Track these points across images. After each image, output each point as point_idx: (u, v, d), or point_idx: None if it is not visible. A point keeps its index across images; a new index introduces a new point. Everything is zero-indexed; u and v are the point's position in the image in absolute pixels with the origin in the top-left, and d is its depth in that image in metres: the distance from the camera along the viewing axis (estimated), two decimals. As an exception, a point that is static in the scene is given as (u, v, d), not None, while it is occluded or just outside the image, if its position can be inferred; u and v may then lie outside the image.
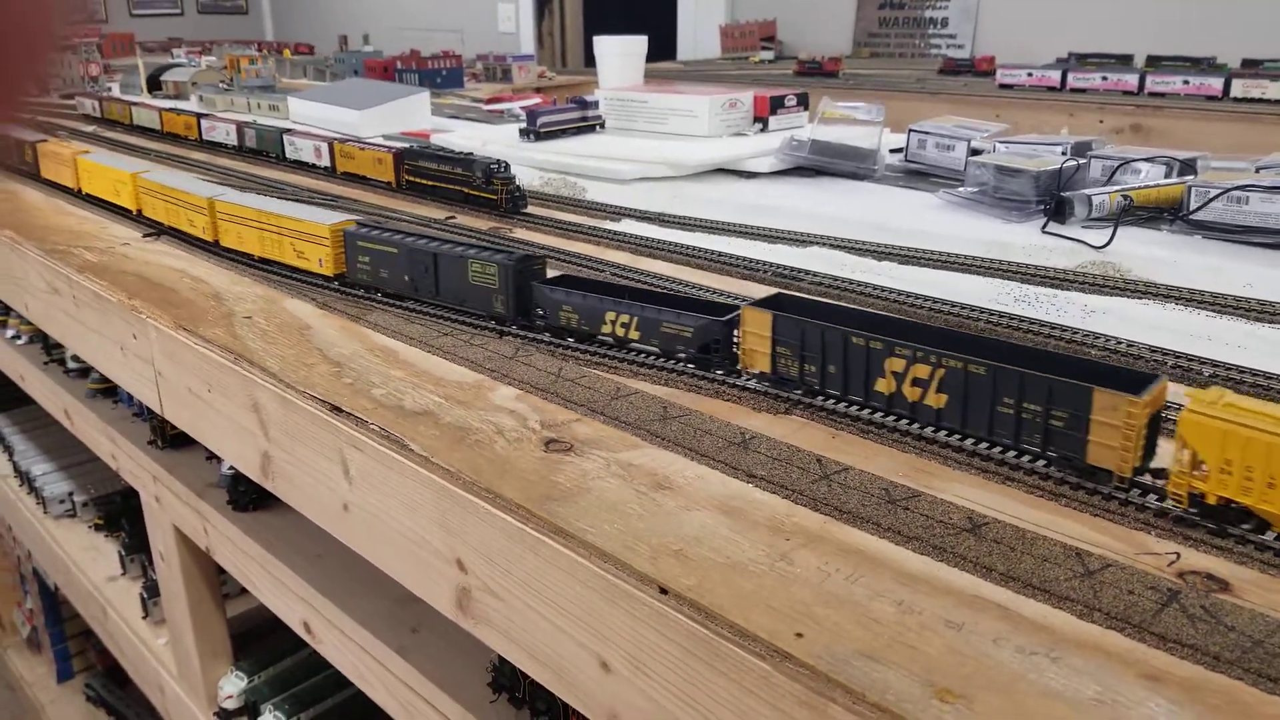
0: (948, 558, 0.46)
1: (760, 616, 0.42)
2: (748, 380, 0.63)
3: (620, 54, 1.84)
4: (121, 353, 0.89)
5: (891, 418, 0.57)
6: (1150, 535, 0.48)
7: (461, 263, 0.76)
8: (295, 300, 0.83)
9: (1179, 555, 0.46)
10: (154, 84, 2.30)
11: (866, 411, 0.58)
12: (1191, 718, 0.36)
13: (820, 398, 0.60)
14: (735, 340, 0.64)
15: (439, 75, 2.63)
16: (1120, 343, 0.71)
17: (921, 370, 0.55)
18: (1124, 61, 2.70)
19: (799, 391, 0.60)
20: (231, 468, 0.97)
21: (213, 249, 0.98)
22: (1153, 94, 2.31)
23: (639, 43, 1.86)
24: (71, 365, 1.31)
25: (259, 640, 1.17)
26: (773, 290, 0.71)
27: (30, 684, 2.13)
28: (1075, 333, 0.73)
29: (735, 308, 0.65)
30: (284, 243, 0.88)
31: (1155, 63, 2.65)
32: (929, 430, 0.56)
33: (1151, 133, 2.24)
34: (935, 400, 0.55)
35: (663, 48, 4.32)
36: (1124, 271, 0.88)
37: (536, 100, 1.91)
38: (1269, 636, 0.40)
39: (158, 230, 1.05)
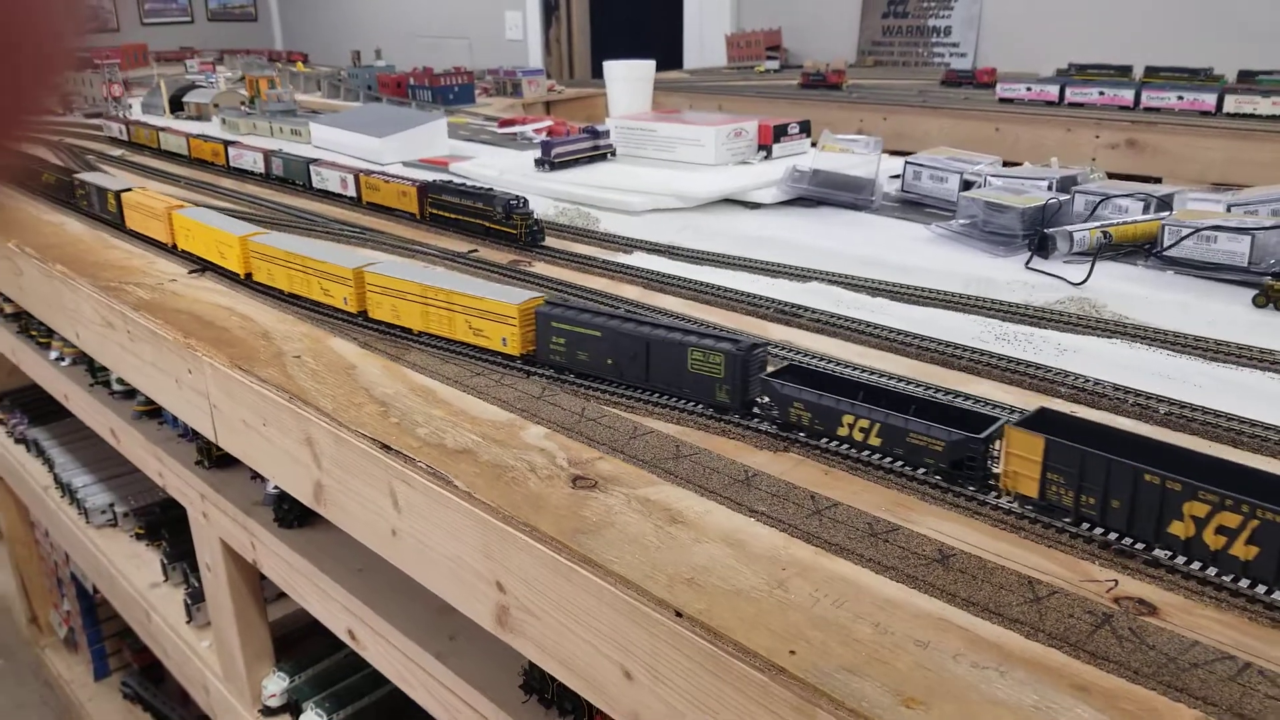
0: (919, 585, 0.54)
1: (760, 636, 0.50)
2: (1010, 503, 0.60)
3: (628, 78, 1.92)
4: (177, 385, 0.97)
5: (877, 456, 0.65)
6: (1094, 564, 0.56)
7: (679, 350, 0.73)
8: (338, 339, 0.92)
9: (1117, 582, 0.54)
10: (176, 105, 2.38)
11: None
12: (1111, 722, 0.44)
13: (1097, 529, 0.56)
14: (993, 457, 0.61)
15: (451, 91, 2.72)
16: (1088, 381, 0.79)
17: (1230, 519, 0.51)
18: (1123, 73, 2.77)
19: (1067, 519, 0.57)
20: (276, 488, 1.06)
21: (247, 282, 1.06)
22: (1148, 109, 2.38)
23: (647, 67, 1.94)
24: (116, 387, 1.40)
25: (298, 643, 1.25)
26: (1026, 406, 0.63)
27: (69, 682, 2.22)
28: (1048, 370, 0.81)
29: (993, 420, 0.62)
30: (456, 319, 0.86)
31: (1154, 73, 2.72)
32: (1247, 584, 0.52)
33: (1146, 149, 2.31)
34: (1243, 551, 0.51)
35: (669, 55, 4.40)
36: (1099, 308, 0.96)
37: (548, 122, 1.99)
38: (1182, 654, 0.48)
39: (202, 267, 1.14)
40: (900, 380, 0.78)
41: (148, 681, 2.12)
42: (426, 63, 4.98)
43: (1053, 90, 2.53)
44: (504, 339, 0.83)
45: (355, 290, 0.93)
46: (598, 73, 4.86)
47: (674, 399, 0.75)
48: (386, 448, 0.71)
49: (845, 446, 0.66)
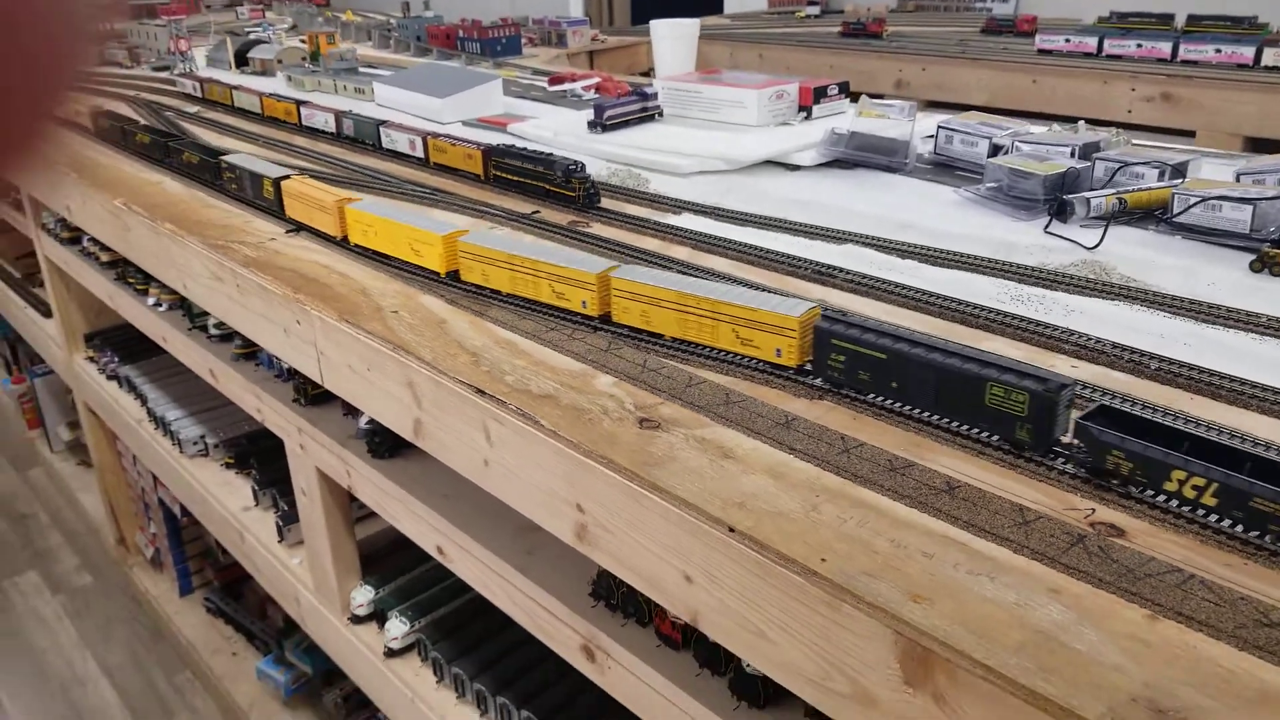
0: (929, 510, 0.66)
1: (797, 548, 0.62)
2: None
3: (673, 37, 2.01)
4: (285, 334, 1.11)
5: (1213, 518, 0.63)
6: (1077, 496, 0.68)
7: (976, 383, 0.70)
8: (428, 296, 1.04)
9: (1094, 510, 0.66)
10: (241, 59, 2.50)
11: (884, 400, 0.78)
12: (1074, 616, 0.56)
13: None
14: None
15: (499, 43, 2.80)
16: (1089, 339, 0.90)
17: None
18: (1164, 21, 2.79)
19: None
20: (369, 423, 1.20)
21: (343, 245, 1.19)
22: (1185, 62, 2.42)
23: (692, 25, 2.03)
24: (214, 331, 1.54)
25: (381, 559, 1.41)
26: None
27: (155, 597, 2.42)
28: (1055, 329, 0.92)
29: None
30: (720, 328, 0.85)
31: (1196, 22, 2.74)
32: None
33: (1181, 102, 2.36)
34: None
35: (714, 1, 4.44)
36: (1109, 271, 1.06)
37: (596, 79, 2.09)
38: (1139, 567, 0.60)
39: (298, 227, 1.27)
40: (1221, 431, 0.72)
41: (228, 597, 2.32)
42: (469, 7, 5.03)
43: (1091, 42, 2.57)
44: (777, 350, 0.82)
45: (598, 293, 0.92)
46: (637, 18, 4.89)
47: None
48: (481, 392, 0.84)
49: (1170, 501, 0.64)
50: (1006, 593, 0.58)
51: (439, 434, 0.91)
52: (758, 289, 1.01)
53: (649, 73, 3.29)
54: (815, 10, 3.64)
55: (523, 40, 2.88)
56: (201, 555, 2.38)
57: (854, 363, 0.77)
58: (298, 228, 1.27)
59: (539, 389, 0.84)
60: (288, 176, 1.30)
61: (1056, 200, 1.21)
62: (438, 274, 1.07)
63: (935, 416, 0.75)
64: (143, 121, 1.63)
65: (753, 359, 0.84)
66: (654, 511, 0.70)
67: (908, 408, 0.76)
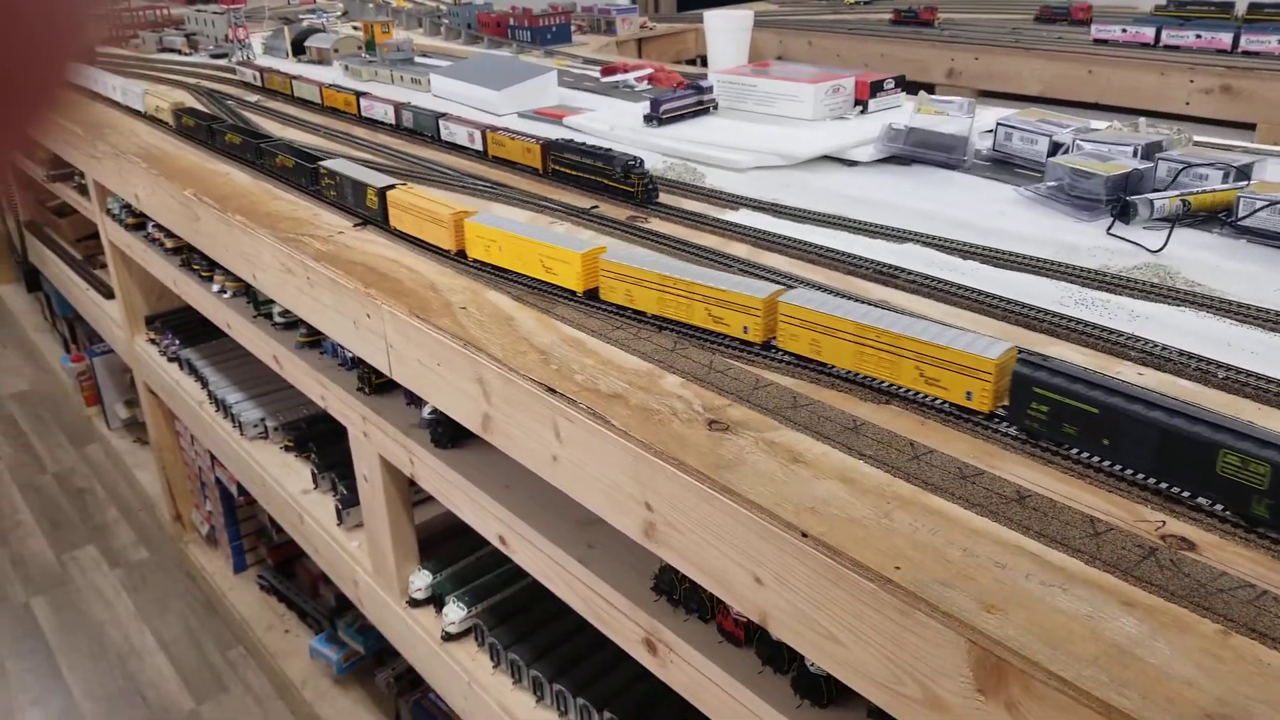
0: (1000, 519, 0.67)
1: (870, 555, 0.64)
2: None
3: (727, 29, 2.01)
4: (354, 326, 1.13)
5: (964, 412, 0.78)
6: (1147, 508, 0.68)
7: (1209, 449, 0.64)
8: (494, 293, 1.06)
9: (1164, 523, 0.67)
10: (297, 48, 2.53)
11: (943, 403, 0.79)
12: (1148, 629, 0.57)
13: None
14: None
15: (549, 32, 2.81)
16: (1155, 346, 0.90)
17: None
18: (1224, 10, 2.74)
19: None
20: (432, 413, 1.22)
21: (398, 235, 1.21)
22: (1246, 53, 2.38)
23: (745, 17, 2.03)
24: (278, 319, 1.58)
25: (438, 545, 1.44)
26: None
27: (210, 574, 2.48)
28: (1120, 335, 0.92)
29: None
30: (902, 364, 0.80)
31: (1258, 10, 2.69)
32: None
33: (1241, 94, 2.32)
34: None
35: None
36: (1173, 275, 1.05)
37: (648, 70, 2.09)
38: (1211, 581, 0.61)
39: (365, 220, 1.29)
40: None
41: (281, 575, 2.37)
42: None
43: (1148, 32, 2.53)
44: (968, 392, 0.77)
45: (762, 320, 0.88)
46: (682, 4, 4.86)
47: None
48: (552, 390, 0.86)
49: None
50: (1080, 605, 0.59)
51: (508, 429, 0.93)
52: (940, 324, 0.90)
53: (695, 60, 3.29)
54: (865, -3, 3.61)
55: (572, 28, 2.88)
56: (255, 534, 2.44)
57: (1058, 414, 0.71)
58: (365, 220, 1.29)
59: (608, 388, 0.86)
60: (393, 186, 1.26)
61: (1120, 201, 1.20)
62: (573, 292, 1.02)
63: (1151, 480, 0.69)
64: (229, 120, 1.64)
65: (937, 399, 0.79)
66: (725, 513, 0.72)
67: (1118, 467, 0.70)
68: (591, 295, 1.02)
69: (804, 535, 0.66)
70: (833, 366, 0.85)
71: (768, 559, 0.70)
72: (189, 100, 1.98)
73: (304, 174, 1.43)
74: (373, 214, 1.28)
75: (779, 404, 0.82)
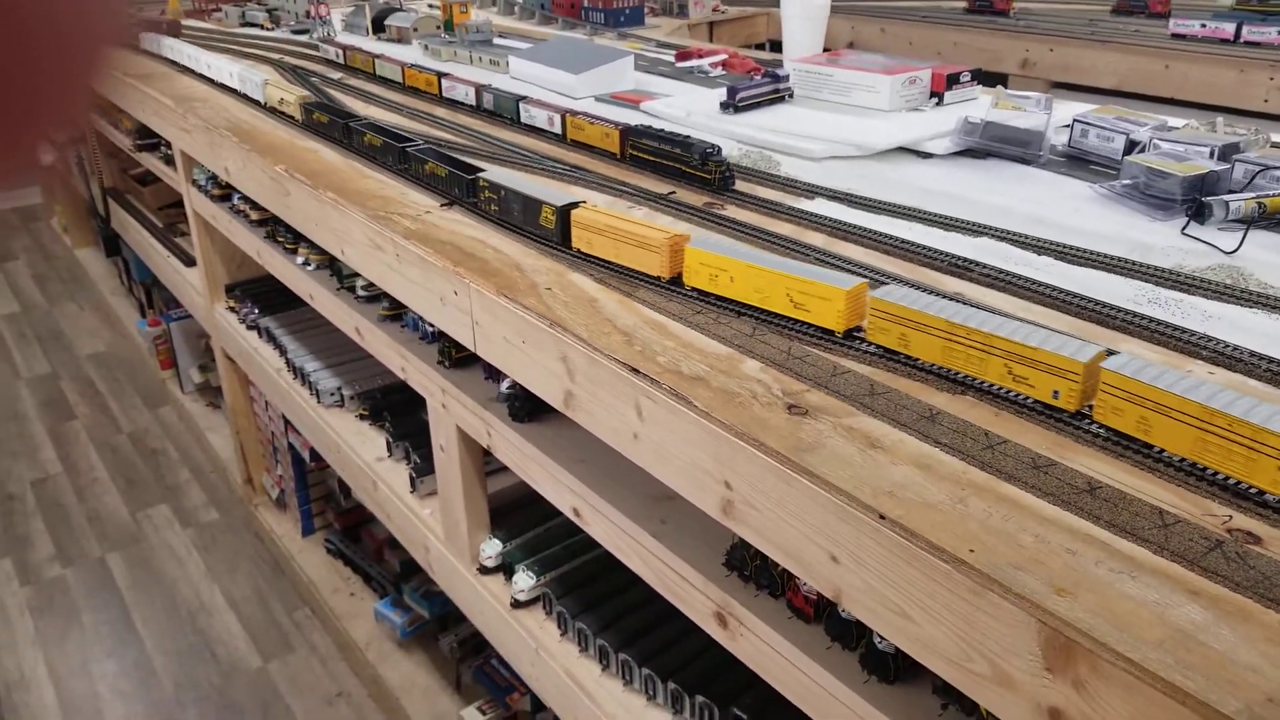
0: (1071, 508, 0.70)
1: (945, 537, 0.67)
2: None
3: (803, 16, 2.03)
4: (441, 303, 1.18)
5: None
6: (1215, 502, 0.71)
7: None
8: (577, 275, 1.11)
9: (1231, 517, 0.69)
10: (377, 26, 2.59)
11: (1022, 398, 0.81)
12: (1212, 617, 0.60)
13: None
14: None
15: (622, 14, 2.85)
16: (1227, 346, 0.91)
17: None
18: (1308, 5, 2.69)
19: None
20: (510, 388, 1.27)
21: (493, 219, 1.25)
22: (1329, 50, 2.34)
23: (822, 5, 2.04)
24: (361, 293, 1.64)
25: (508, 515, 1.49)
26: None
27: (279, 536, 2.57)
28: (1192, 335, 0.94)
29: None
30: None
31: (1343, 6, 2.64)
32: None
33: (1322, 93, 2.29)
34: None
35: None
36: (1247, 277, 1.06)
37: (722, 55, 2.12)
38: (1276, 574, 0.63)
39: (452, 200, 1.34)
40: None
41: (348, 539, 2.45)
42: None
43: (1228, 28, 2.50)
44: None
45: (1079, 387, 0.79)
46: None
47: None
48: (635, 370, 0.90)
49: None
50: (1147, 591, 0.62)
51: (590, 406, 0.98)
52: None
53: (765, 45, 3.30)
54: (938, -16, 3.58)
55: (645, 10, 2.91)
56: (324, 499, 2.52)
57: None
58: (451, 201, 1.34)
59: (689, 370, 0.89)
60: (575, 205, 1.15)
61: (1195, 202, 1.21)
62: (831, 331, 0.93)
63: (1221, 476, 0.71)
64: (368, 120, 1.68)
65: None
66: (804, 494, 0.75)
67: (1189, 462, 0.72)
68: (675, 281, 1.06)
69: (881, 517, 0.70)
70: (919, 360, 0.87)
71: (844, 539, 0.73)
72: (290, 89, 2.04)
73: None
74: (548, 233, 1.18)
75: (856, 391, 0.85)
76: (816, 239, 1.19)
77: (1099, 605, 0.61)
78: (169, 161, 2.49)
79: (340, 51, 2.23)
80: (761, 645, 0.94)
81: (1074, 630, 0.59)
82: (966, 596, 0.65)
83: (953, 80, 1.67)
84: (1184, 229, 1.19)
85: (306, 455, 2.29)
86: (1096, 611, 0.61)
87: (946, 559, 0.66)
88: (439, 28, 2.45)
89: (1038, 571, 0.64)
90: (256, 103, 1.93)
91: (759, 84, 1.69)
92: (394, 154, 1.48)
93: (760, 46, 3.23)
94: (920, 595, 0.69)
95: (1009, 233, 1.18)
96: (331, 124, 1.65)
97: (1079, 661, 0.60)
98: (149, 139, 2.73)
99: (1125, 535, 0.67)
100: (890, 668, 0.85)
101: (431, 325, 1.43)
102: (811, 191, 1.36)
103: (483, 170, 1.32)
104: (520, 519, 1.48)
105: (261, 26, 2.85)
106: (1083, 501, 0.70)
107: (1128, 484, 0.73)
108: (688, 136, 1.42)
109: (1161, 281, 1.06)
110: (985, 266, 1.09)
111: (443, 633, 2.05)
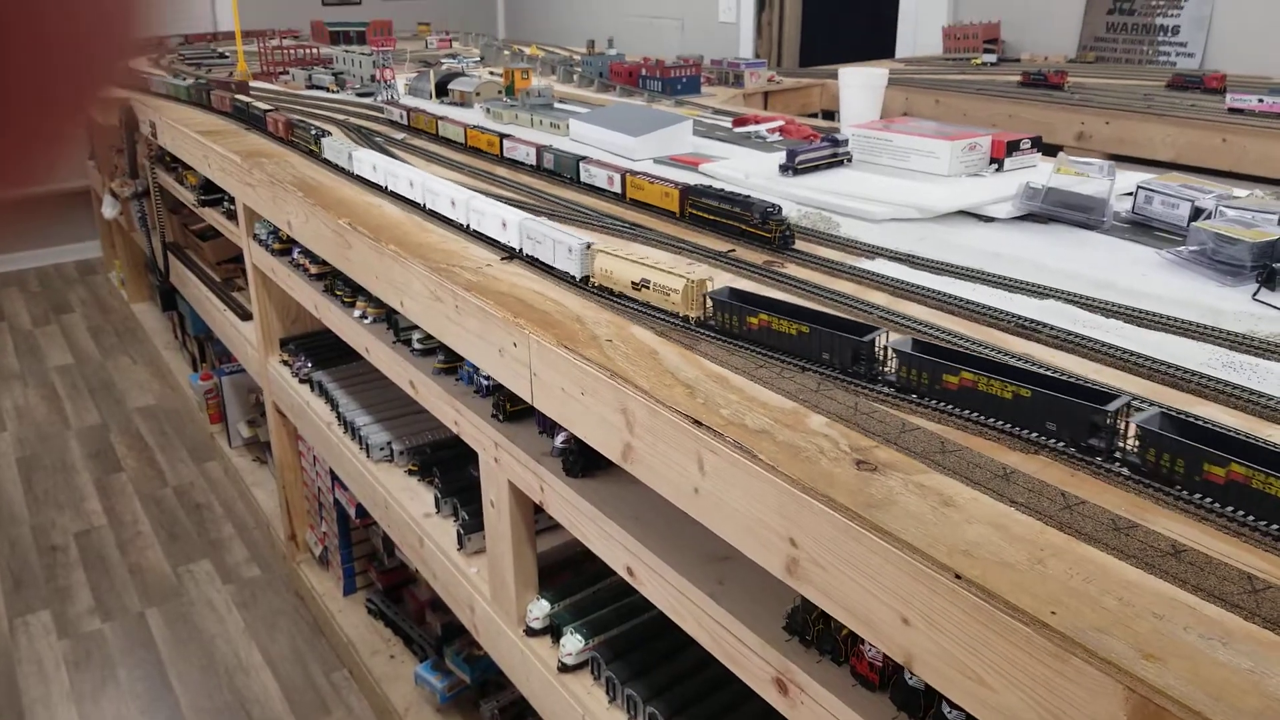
0: (1155, 572, 0.67)
1: (1024, 599, 0.64)
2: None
3: (862, 85, 2.04)
4: (499, 354, 1.18)
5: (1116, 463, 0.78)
6: (1309, 570, 0.68)
7: None
8: (638, 327, 1.10)
9: (1328, 587, 0.66)
10: (440, 90, 2.65)
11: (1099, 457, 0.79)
12: (1316, 690, 0.57)
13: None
14: None
15: (679, 83, 2.89)
16: (1310, 412, 0.88)
17: None
18: (1367, 82, 2.67)
19: None
20: (565, 442, 1.26)
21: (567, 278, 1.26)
22: (1391, 125, 2.31)
23: (880, 75, 2.06)
24: (417, 346, 1.65)
25: (555, 575, 1.47)
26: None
27: (320, 595, 2.56)
28: (1273, 399, 0.91)
29: None
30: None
31: (1401, 84, 2.61)
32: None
33: (1385, 168, 2.25)
34: None
35: (876, 42, 4.45)
36: (1324, 342, 1.03)
37: (779, 122, 2.13)
38: (1382, 647, 0.60)
39: (511, 254, 1.35)
40: None
41: (389, 600, 2.43)
42: (639, 41, 5.17)
43: (1288, 102, 2.48)
44: None
45: None
46: (805, 59, 4.94)
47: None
48: (698, 423, 0.89)
49: None
50: (1240, 659, 0.59)
51: (650, 459, 0.96)
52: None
53: (818, 114, 3.33)
54: (992, 58, 3.61)
55: (701, 80, 2.96)
56: (367, 557, 2.51)
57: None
58: (511, 255, 1.35)
59: (754, 424, 0.88)
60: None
61: (1266, 268, 1.19)
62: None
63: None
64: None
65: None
66: (874, 552, 0.73)
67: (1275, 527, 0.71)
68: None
69: (957, 577, 0.67)
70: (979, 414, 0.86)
71: (917, 600, 0.71)
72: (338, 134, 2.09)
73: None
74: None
75: (927, 448, 0.83)
76: (879, 298, 1.18)
77: (1190, 672, 0.58)
78: (231, 216, 2.55)
79: (404, 113, 2.28)
80: (823, 713, 0.91)
81: (1165, 698, 0.57)
82: (1047, 661, 0.62)
83: (1013, 147, 1.66)
84: (1255, 295, 1.16)
85: (352, 511, 2.29)
86: (1188, 678, 0.58)
87: (1027, 621, 0.63)
88: (500, 92, 2.50)
89: (1123, 635, 0.61)
90: (318, 158, 1.97)
91: (818, 148, 1.69)
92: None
93: (814, 116, 3.26)
94: (997, 659, 0.66)
95: (1076, 295, 1.16)
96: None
97: (1172, 732, 0.56)
98: (213, 194, 2.80)
99: (1214, 600, 0.64)
100: (960, 738, 0.82)
101: (487, 378, 1.43)
102: (872, 252, 1.35)
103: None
104: (570, 579, 1.46)
105: (327, 89, 2.93)
106: (1167, 564, 0.68)
107: (1213, 548, 0.70)
108: (749, 196, 1.43)
109: (1235, 346, 1.03)
110: (1053, 328, 1.07)
111: (484, 698, 2.02)
